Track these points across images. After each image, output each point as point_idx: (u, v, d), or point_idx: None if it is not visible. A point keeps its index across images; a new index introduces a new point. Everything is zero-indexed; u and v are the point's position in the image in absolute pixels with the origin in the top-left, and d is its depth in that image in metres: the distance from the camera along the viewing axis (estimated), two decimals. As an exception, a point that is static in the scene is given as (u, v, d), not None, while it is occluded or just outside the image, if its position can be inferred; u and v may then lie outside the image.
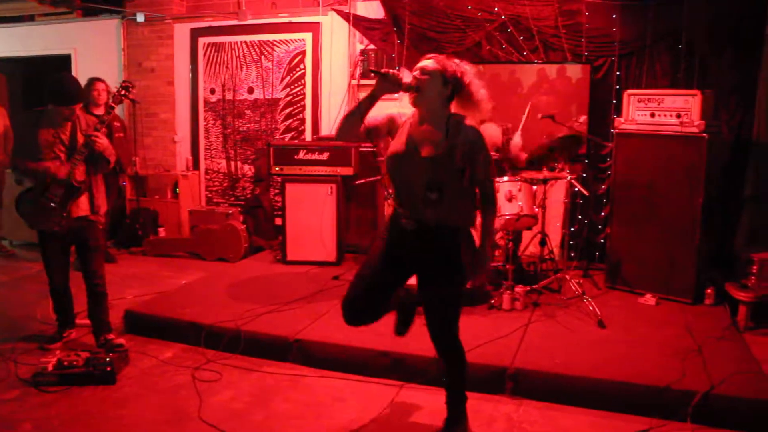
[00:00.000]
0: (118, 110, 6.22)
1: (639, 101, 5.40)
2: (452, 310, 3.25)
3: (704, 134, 5.05)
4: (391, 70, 3.01)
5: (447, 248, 3.12)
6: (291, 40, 7.43)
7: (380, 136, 3.28)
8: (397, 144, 3.14)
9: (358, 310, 3.32)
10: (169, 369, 4.29)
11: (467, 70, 3.09)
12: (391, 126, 3.23)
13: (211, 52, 7.77)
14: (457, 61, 3.11)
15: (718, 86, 5.75)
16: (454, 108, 3.12)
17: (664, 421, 3.58)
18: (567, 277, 5.28)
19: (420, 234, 3.13)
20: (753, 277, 4.92)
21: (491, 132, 5.55)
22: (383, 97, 3.06)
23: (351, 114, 3.13)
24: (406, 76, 3.01)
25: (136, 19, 7.93)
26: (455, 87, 3.07)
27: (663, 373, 3.84)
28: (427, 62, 3.08)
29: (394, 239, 3.24)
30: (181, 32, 7.92)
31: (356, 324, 3.37)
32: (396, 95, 3.12)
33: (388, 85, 3.01)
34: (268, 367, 4.33)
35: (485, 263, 3.22)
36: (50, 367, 4.01)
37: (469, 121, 3.08)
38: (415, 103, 3.07)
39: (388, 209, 5.67)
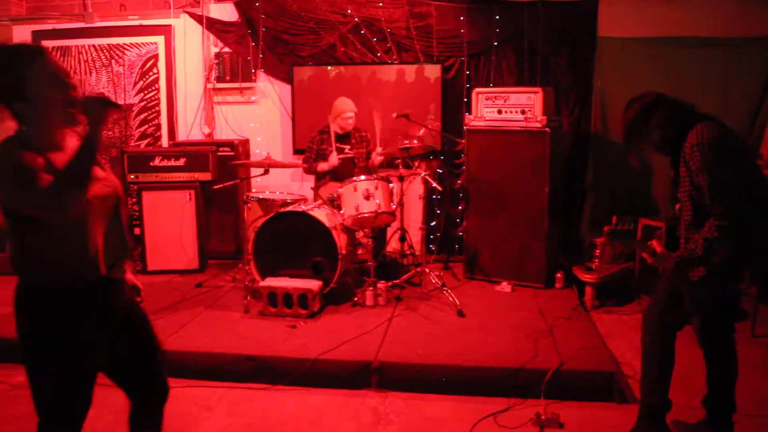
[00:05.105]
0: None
1: (487, 99, 5.65)
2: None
3: (547, 129, 5.36)
4: None
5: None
6: (142, 43, 7.18)
7: None
8: None
9: None
10: (22, 393, 4.01)
11: None
12: None
13: (56, 56, 7.35)
14: None
15: (559, 84, 6.16)
16: None
17: (521, 399, 3.79)
18: (427, 270, 5.44)
19: None
20: (596, 260, 5.32)
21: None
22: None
23: None
24: None
25: (-33, 20, 7.37)
26: None
27: (518, 354, 4.07)
28: None
29: None
30: (22, 35, 7.41)
31: None
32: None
33: None
34: (130, 382, 4.17)
35: None
36: None
37: None
38: None
39: (248, 213, 5.60)
